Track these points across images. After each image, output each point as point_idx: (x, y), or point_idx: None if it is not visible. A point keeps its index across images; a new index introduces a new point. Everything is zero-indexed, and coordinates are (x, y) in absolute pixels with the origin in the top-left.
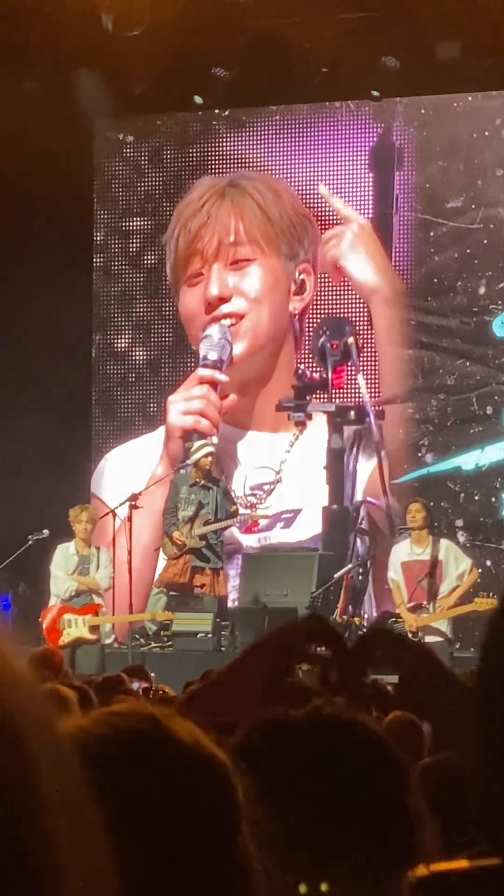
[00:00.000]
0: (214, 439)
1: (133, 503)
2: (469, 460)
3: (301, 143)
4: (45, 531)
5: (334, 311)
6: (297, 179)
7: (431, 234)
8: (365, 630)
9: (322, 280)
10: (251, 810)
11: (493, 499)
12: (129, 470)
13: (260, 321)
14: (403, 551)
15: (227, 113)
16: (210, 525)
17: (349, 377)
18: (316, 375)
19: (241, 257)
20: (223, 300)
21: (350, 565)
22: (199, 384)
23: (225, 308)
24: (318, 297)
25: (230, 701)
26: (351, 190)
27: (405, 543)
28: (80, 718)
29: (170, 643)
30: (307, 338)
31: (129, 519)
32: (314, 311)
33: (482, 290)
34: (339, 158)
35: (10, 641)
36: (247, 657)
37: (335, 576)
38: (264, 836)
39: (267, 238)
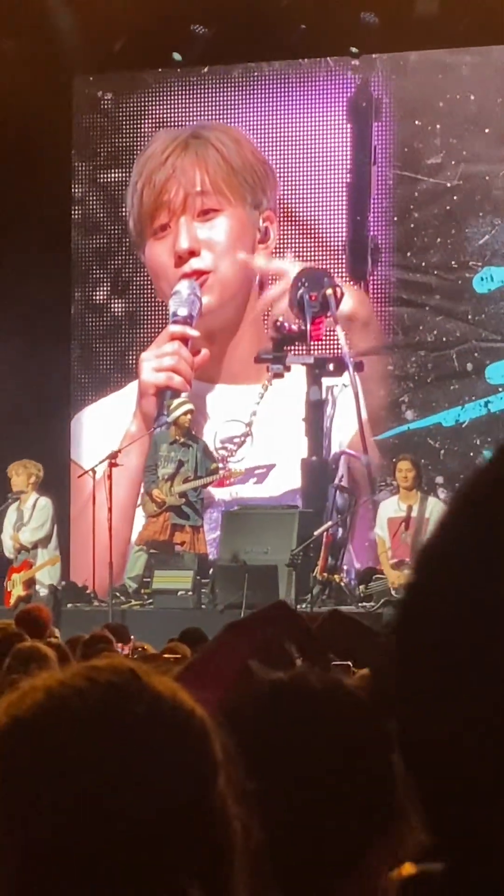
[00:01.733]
0: (185, 395)
1: (112, 461)
2: (449, 417)
3: (280, 99)
4: (14, 488)
5: (307, 257)
6: (275, 134)
7: (410, 190)
8: (323, 615)
9: (286, 228)
10: (230, 767)
11: (473, 455)
12: (102, 429)
13: (228, 273)
14: (391, 507)
15: (205, 70)
16: (190, 482)
17: (328, 329)
18: (294, 327)
19: (207, 207)
20: (193, 253)
21: (330, 522)
22: (171, 340)
23: (194, 262)
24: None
25: (216, 677)
26: (329, 145)
27: (392, 500)
28: (58, 672)
29: (150, 601)
30: (269, 287)
31: (109, 477)
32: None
33: (462, 247)
34: (318, 113)
35: None
36: (221, 643)
37: (315, 533)
38: (243, 793)
39: (232, 187)
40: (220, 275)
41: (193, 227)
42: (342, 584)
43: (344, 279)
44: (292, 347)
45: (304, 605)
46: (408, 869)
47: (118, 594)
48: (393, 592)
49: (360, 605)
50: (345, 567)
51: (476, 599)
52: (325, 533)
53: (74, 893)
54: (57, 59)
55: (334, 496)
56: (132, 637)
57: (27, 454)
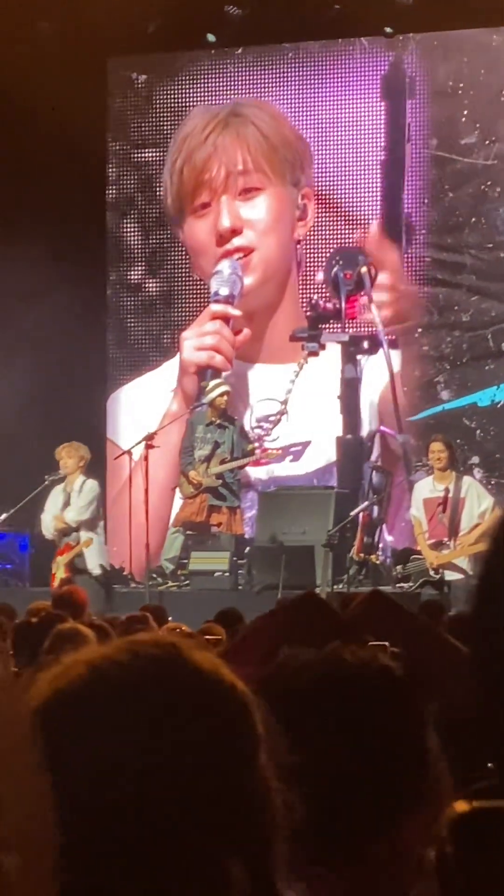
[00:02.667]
0: (223, 376)
1: (149, 442)
2: (485, 397)
3: (314, 79)
4: (62, 471)
5: (342, 236)
6: (310, 114)
7: (445, 170)
8: (362, 596)
9: (321, 207)
10: (272, 742)
11: (498, 439)
12: (141, 409)
13: (270, 252)
14: (426, 488)
15: (239, 51)
16: (226, 464)
17: (362, 307)
18: (329, 305)
19: (249, 186)
20: (235, 232)
21: (366, 503)
22: (212, 320)
23: (236, 241)
24: (320, 224)
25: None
26: (364, 123)
27: (428, 480)
28: (101, 646)
29: (187, 582)
30: (307, 265)
31: (146, 458)
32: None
33: (497, 226)
34: (352, 92)
35: None
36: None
37: (351, 514)
38: (284, 768)
39: (272, 165)
40: (262, 253)
41: (235, 205)
42: (379, 564)
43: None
44: (327, 325)
45: (340, 586)
46: (461, 806)
47: (155, 576)
48: (431, 573)
49: (397, 585)
50: (383, 546)
51: None
52: (361, 513)
53: (117, 866)
54: (90, 41)
55: (370, 475)
56: (169, 618)
57: (64, 434)
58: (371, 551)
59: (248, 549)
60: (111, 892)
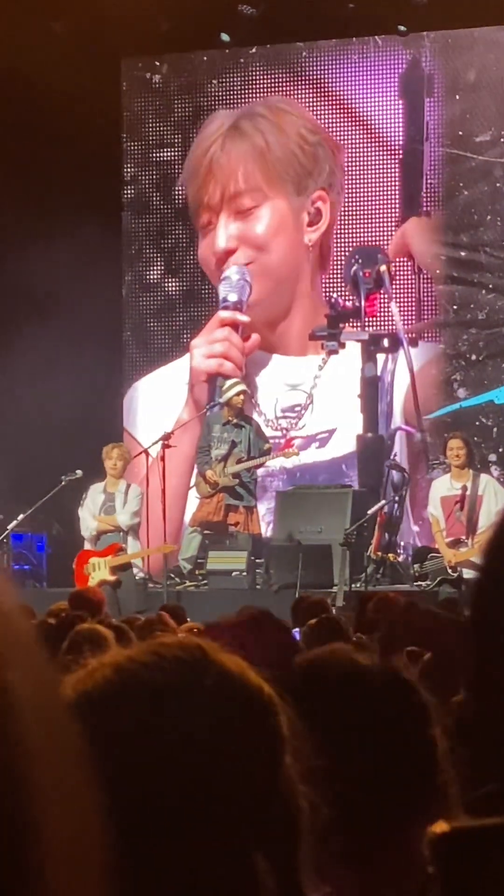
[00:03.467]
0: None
1: (165, 442)
2: (501, 394)
3: (330, 77)
4: (79, 472)
5: (361, 235)
6: (326, 112)
7: (460, 168)
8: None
9: (347, 206)
10: (297, 744)
11: None
12: (159, 401)
13: (273, 263)
14: (443, 486)
15: (253, 50)
16: (243, 463)
17: (382, 305)
18: (349, 304)
19: (245, 206)
20: (229, 252)
21: (384, 501)
22: (221, 326)
23: (236, 256)
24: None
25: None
26: (380, 122)
27: (445, 478)
28: (127, 649)
29: (205, 581)
30: (332, 262)
31: (162, 458)
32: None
33: None
34: (369, 91)
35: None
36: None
37: (369, 512)
38: (309, 770)
39: (270, 181)
40: (264, 266)
41: (232, 225)
42: (396, 562)
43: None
44: (347, 324)
45: (358, 585)
46: (441, 827)
47: (173, 575)
48: (448, 571)
49: (414, 583)
50: (401, 544)
51: None
52: (379, 512)
53: (146, 862)
54: (105, 41)
55: (388, 474)
56: (188, 618)
57: (81, 435)
58: (389, 550)
59: (265, 548)
60: (143, 888)
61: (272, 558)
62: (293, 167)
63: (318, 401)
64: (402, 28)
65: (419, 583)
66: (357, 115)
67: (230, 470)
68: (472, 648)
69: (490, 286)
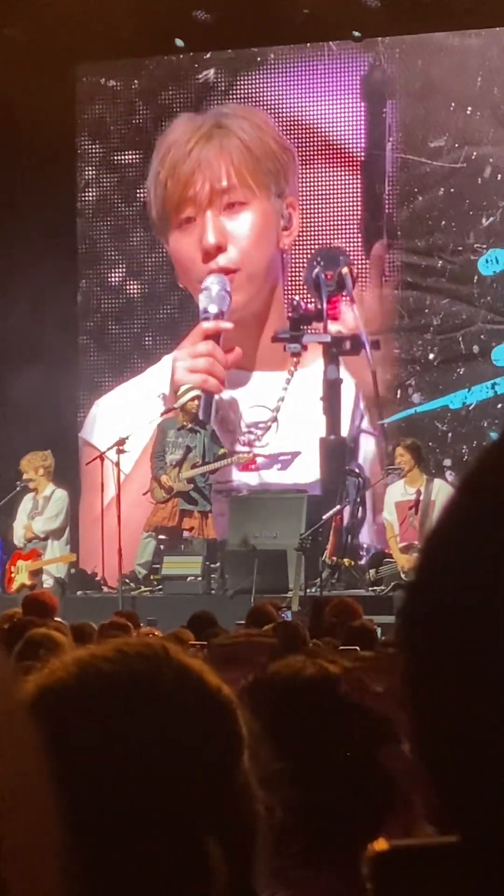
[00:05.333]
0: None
1: (119, 448)
2: (456, 399)
3: (286, 82)
4: (28, 482)
5: (322, 241)
6: (285, 116)
7: (414, 174)
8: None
9: (307, 210)
10: (255, 747)
11: (481, 437)
12: (121, 416)
13: (255, 269)
14: (398, 491)
15: (208, 55)
16: (198, 468)
17: (344, 307)
18: (311, 306)
19: (233, 201)
20: (220, 249)
21: (339, 506)
22: (204, 339)
23: (221, 259)
24: (305, 228)
25: None
26: (340, 126)
27: (399, 484)
28: (90, 646)
29: (159, 587)
30: (291, 269)
31: (117, 464)
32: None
33: (467, 230)
34: (327, 94)
35: None
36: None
37: (324, 517)
38: (266, 775)
39: (256, 179)
40: (247, 271)
41: (220, 221)
42: (352, 567)
43: (360, 259)
44: (309, 327)
45: (313, 590)
46: (380, 845)
47: (128, 581)
48: (402, 576)
49: (370, 588)
50: (364, 545)
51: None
52: (334, 517)
53: (94, 852)
54: (60, 48)
55: (344, 481)
56: (142, 624)
57: (39, 437)
58: (346, 554)
59: (220, 553)
60: (99, 882)
61: (227, 563)
62: (274, 167)
63: (285, 421)
64: (356, 34)
65: (374, 588)
66: (315, 118)
67: (184, 475)
68: (406, 676)
69: (445, 291)
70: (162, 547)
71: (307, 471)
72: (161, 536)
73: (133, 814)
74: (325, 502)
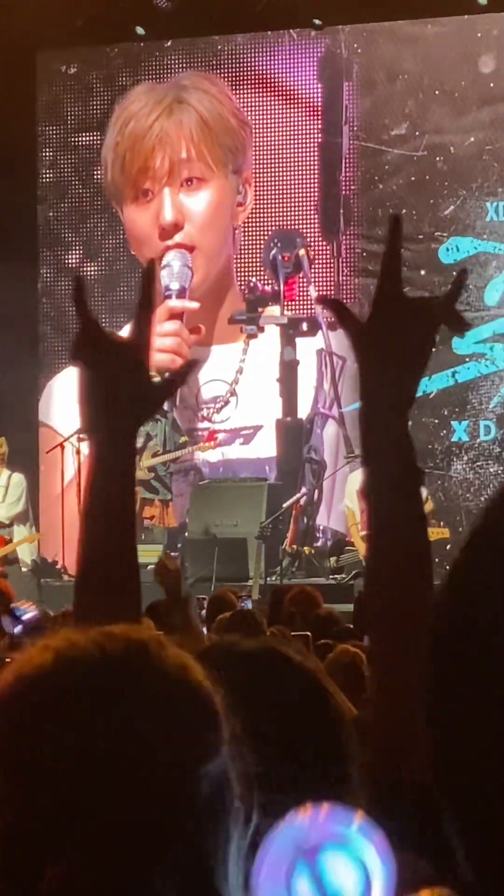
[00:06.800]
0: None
1: (80, 435)
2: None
3: (246, 67)
4: None
5: (276, 220)
6: (244, 99)
7: (375, 162)
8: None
9: (263, 189)
10: (234, 747)
11: (441, 425)
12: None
13: (213, 247)
14: (359, 479)
15: (168, 44)
16: (158, 457)
17: (301, 289)
18: (268, 288)
19: (191, 176)
20: (178, 226)
21: (298, 494)
22: (171, 318)
23: (177, 237)
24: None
25: None
26: (298, 108)
27: (360, 472)
28: (71, 634)
29: None
30: (243, 246)
31: (78, 452)
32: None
33: (427, 218)
34: (285, 80)
35: None
36: None
37: (284, 505)
38: (244, 774)
39: (214, 156)
40: (204, 250)
41: (178, 198)
42: (312, 555)
43: (316, 241)
44: (266, 308)
45: (273, 578)
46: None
47: None
48: (363, 564)
49: (330, 577)
50: (321, 528)
51: None
52: (294, 504)
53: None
54: (17, 33)
55: (303, 469)
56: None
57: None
58: (305, 541)
59: (180, 541)
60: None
61: (187, 551)
62: (231, 142)
63: (242, 394)
64: (317, 21)
65: (335, 576)
66: (275, 101)
67: (145, 464)
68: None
69: (405, 280)
70: None
71: (270, 445)
72: None
73: (97, 814)
74: (285, 490)
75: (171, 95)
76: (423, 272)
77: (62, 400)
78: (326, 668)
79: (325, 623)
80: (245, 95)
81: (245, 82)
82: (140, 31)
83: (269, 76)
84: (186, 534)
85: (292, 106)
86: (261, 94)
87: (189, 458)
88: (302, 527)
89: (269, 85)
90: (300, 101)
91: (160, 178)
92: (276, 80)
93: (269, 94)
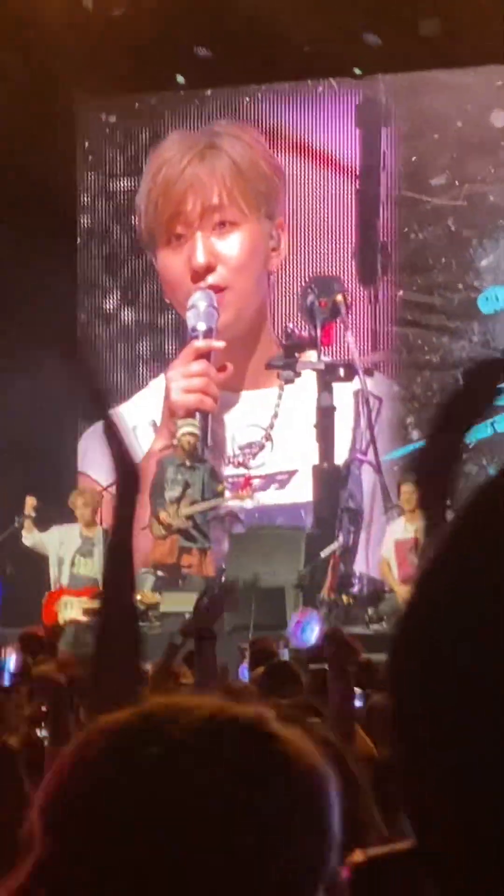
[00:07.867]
0: (199, 416)
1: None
2: None
3: (286, 115)
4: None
5: (316, 265)
6: (283, 146)
7: (414, 211)
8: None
9: (297, 235)
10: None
11: (480, 475)
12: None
13: (245, 289)
14: (398, 529)
15: (209, 93)
16: (196, 506)
17: (338, 335)
18: (305, 333)
19: (224, 220)
20: (210, 269)
21: (336, 543)
22: (197, 358)
23: (210, 279)
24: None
25: None
26: (337, 155)
27: (399, 521)
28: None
29: (157, 623)
30: (278, 291)
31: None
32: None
33: (467, 267)
34: (324, 128)
35: None
36: None
37: (322, 554)
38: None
39: (247, 200)
40: (236, 291)
41: (210, 241)
42: (349, 604)
43: (353, 287)
44: (303, 354)
45: None
46: (358, 857)
47: None
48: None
49: (371, 626)
50: (357, 575)
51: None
52: (332, 554)
53: None
54: (59, 81)
55: (342, 517)
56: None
57: (35, 473)
58: (342, 591)
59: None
60: None
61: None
62: (265, 188)
63: (277, 439)
64: (356, 70)
65: (374, 625)
66: (313, 148)
67: (183, 512)
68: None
69: (444, 328)
70: (160, 583)
71: (306, 489)
72: (159, 573)
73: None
74: (324, 537)
75: (204, 142)
76: (461, 322)
77: (97, 451)
78: (367, 716)
79: (368, 671)
80: (285, 142)
81: (285, 129)
82: (180, 79)
83: (308, 123)
84: (223, 580)
85: (331, 152)
86: (300, 141)
87: (225, 506)
88: (340, 573)
89: (308, 131)
90: (338, 147)
91: (192, 223)
92: (315, 126)
93: (308, 139)
